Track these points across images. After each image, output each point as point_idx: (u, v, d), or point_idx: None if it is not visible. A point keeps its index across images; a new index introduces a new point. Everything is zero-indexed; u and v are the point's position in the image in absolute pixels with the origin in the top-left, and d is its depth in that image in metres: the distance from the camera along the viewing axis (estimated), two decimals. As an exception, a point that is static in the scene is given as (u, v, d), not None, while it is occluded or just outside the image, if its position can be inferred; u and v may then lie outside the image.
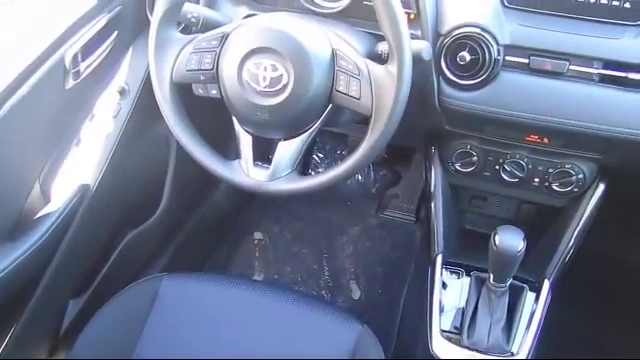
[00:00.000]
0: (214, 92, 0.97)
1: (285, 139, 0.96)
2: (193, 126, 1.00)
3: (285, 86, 0.89)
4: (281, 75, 0.89)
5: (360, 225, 1.92)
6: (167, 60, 0.96)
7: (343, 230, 1.91)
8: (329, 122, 0.98)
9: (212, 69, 0.94)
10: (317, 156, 2.04)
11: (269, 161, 0.97)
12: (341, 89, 0.90)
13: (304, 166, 1.98)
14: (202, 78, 0.96)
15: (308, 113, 0.93)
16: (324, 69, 0.90)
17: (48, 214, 1.09)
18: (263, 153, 0.99)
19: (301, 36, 0.89)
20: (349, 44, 0.93)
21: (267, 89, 0.90)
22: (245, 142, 0.99)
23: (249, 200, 1.97)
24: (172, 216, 1.54)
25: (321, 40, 0.91)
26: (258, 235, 1.90)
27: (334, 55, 0.90)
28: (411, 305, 1.63)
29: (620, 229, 1.42)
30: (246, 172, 0.98)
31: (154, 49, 0.96)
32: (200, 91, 0.99)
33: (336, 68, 0.90)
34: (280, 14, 0.96)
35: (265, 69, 0.89)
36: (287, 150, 0.96)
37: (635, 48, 0.97)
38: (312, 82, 0.89)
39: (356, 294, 1.75)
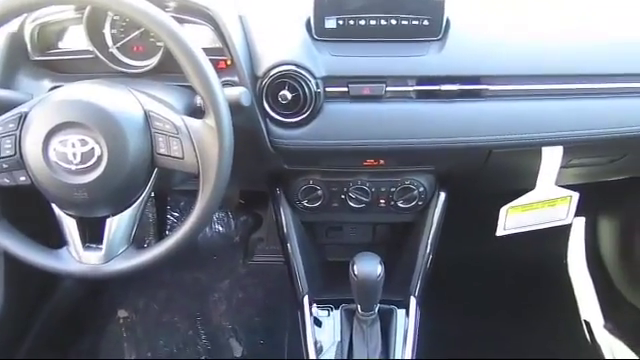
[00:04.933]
0: (22, 179, 0.87)
1: (114, 214, 0.89)
2: (7, 219, 0.90)
3: (99, 159, 0.83)
4: (92, 149, 0.82)
5: (230, 278, 1.85)
6: None
7: (213, 287, 1.83)
8: (162, 185, 0.93)
9: (14, 154, 0.85)
10: (172, 215, 1.94)
11: (101, 241, 0.89)
12: (162, 151, 0.86)
13: (159, 229, 1.88)
14: (5, 166, 0.86)
15: (132, 183, 0.87)
16: (139, 134, 0.84)
17: None
18: (93, 233, 0.91)
19: (106, 103, 0.83)
20: (163, 102, 0.89)
21: (80, 166, 0.83)
22: (70, 226, 0.90)
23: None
24: (15, 318, 1.38)
25: (130, 104, 0.86)
26: (122, 313, 1.75)
27: (147, 117, 0.85)
28: (295, 349, 1.58)
29: (468, 229, 1.49)
30: (77, 258, 0.90)
31: None
32: (6, 181, 0.88)
33: (152, 130, 0.86)
34: (81, 83, 0.89)
35: (73, 145, 0.82)
36: (119, 225, 0.89)
37: (441, 61, 1.02)
38: (128, 150, 0.83)
39: (238, 351, 1.68)
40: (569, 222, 1.22)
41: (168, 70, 1.02)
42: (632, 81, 1.02)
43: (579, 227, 1.86)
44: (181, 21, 0.95)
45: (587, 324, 1.74)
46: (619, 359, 1.62)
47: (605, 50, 1.04)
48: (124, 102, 0.85)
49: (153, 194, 0.96)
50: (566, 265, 1.88)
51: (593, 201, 1.55)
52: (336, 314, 1.18)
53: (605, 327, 1.72)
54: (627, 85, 1.02)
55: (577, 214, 1.22)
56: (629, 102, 1.04)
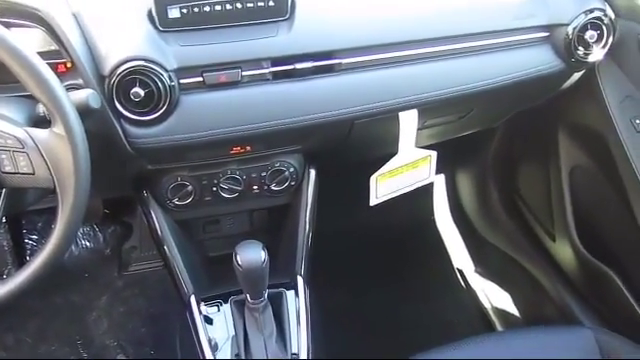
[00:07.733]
0: None
1: (-39, 247, 0.80)
2: None
3: None
4: None
5: (107, 293, 1.75)
6: None
7: (90, 306, 1.72)
8: (14, 207, 0.85)
9: None
10: (30, 239, 1.78)
11: None
12: (8, 169, 0.78)
13: (19, 255, 1.73)
14: None
15: None
16: None
17: None
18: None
19: None
20: (0, 117, 0.80)
21: None
22: None
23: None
24: None
25: None
26: (-10, 355, 1.60)
27: None
28: (189, 353, 1.54)
29: (342, 202, 1.53)
30: None
31: None
32: None
33: None
34: None
35: None
36: (-31, 257, 0.80)
37: (292, 40, 1.02)
38: None
39: (127, 367, 1.60)
40: (432, 180, 1.29)
41: (0, 81, 0.93)
42: (470, 40, 1.09)
43: (440, 184, 1.99)
44: (7, 25, 0.86)
45: (460, 272, 1.88)
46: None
47: (445, 15, 1.10)
48: None
49: (4, 219, 0.88)
50: (434, 221, 2.00)
51: (450, 158, 1.67)
52: (226, 308, 1.16)
53: (476, 271, 1.86)
54: (466, 45, 1.09)
55: (438, 172, 1.29)
56: (469, 61, 1.10)
